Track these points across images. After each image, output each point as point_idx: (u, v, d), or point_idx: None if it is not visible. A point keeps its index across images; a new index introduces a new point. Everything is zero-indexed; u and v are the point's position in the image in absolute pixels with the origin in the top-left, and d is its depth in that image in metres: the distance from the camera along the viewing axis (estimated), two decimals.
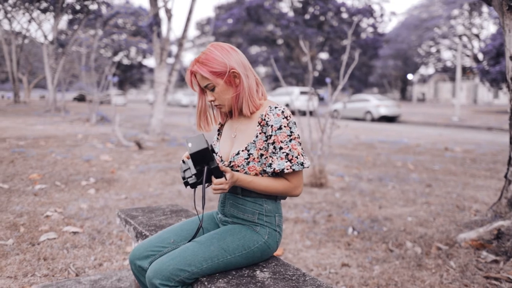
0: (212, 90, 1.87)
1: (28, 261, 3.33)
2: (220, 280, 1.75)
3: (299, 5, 42.05)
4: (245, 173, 1.87)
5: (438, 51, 52.54)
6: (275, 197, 1.93)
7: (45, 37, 24.61)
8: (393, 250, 3.75)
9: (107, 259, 3.45)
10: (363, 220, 4.56)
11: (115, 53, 48.68)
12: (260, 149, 1.84)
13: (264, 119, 1.82)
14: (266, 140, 1.83)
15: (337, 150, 10.13)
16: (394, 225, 4.42)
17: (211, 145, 1.77)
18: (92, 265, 3.32)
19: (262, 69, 52.25)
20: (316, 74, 42.38)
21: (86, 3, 25.10)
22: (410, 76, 53.51)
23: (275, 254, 3.56)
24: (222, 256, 1.80)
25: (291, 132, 1.80)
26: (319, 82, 41.36)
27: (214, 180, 1.73)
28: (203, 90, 1.94)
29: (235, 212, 1.94)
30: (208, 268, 1.77)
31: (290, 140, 1.80)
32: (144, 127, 14.66)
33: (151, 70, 49.30)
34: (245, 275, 1.80)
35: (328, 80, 6.57)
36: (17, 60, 33.92)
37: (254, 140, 1.85)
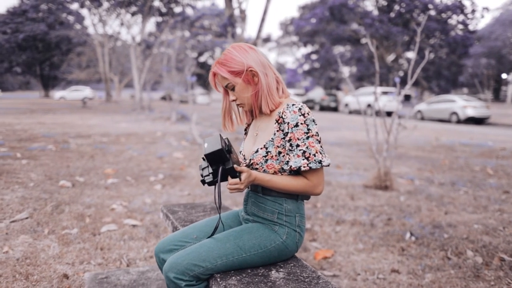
0: (233, 89, 1.90)
1: (87, 249, 3.53)
2: (233, 277, 1.75)
3: (384, 3, 40.88)
4: (264, 171, 1.87)
5: None
6: (296, 196, 1.90)
7: (133, 39, 25.91)
8: (450, 258, 3.55)
9: None
10: (424, 226, 4.36)
11: (201, 54, 50.22)
12: (278, 146, 1.83)
13: (281, 117, 1.81)
14: (283, 138, 1.82)
15: (413, 152, 9.77)
16: (457, 232, 4.18)
17: (228, 145, 1.79)
18: (144, 257, 3.46)
19: (345, 69, 51.43)
20: (401, 73, 40.97)
21: (171, 6, 26.11)
22: (504, 76, 50.14)
23: (324, 255, 3.53)
24: (237, 253, 1.80)
25: (309, 129, 1.77)
26: (404, 82, 39.99)
27: (229, 180, 1.76)
28: (227, 91, 1.98)
29: (256, 211, 1.94)
30: (223, 265, 1.78)
31: (307, 138, 1.77)
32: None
33: None
34: (260, 274, 1.79)
35: (397, 79, 6.32)
36: (109, 62, 36.05)
37: (272, 138, 1.84)
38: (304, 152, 1.77)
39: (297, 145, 1.77)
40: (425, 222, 4.50)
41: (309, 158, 1.77)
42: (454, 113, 21.81)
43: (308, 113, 1.79)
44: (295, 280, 1.73)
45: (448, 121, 22.21)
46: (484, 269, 3.33)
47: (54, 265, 3.18)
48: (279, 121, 1.82)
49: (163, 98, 46.79)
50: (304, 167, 1.77)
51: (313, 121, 1.80)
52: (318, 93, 35.19)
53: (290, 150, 1.80)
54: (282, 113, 1.81)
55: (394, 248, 3.77)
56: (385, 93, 24.46)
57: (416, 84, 43.78)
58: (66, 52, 49.94)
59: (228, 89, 1.92)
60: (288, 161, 1.81)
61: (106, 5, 31.78)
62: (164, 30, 26.89)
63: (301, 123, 1.77)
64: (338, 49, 48.24)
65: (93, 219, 4.30)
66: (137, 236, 3.89)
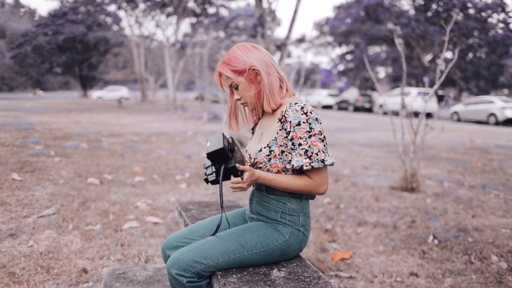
0: (237, 88, 1.91)
1: (107, 245, 3.61)
2: (234, 275, 1.76)
3: (421, 2, 40.09)
4: (267, 170, 1.87)
5: None
6: (301, 196, 1.89)
7: (167, 39, 26.28)
8: (473, 263, 3.46)
9: None
10: (449, 229, 4.26)
11: None
12: (281, 145, 1.82)
13: (284, 116, 1.81)
14: (286, 137, 1.81)
15: (444, 154, 9.55)
16: (482, 236, 4.06)
17: (231, 144, 1.79)
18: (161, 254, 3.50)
19: (380, 69, 50.70)
20: (439, 74, 40.11)
21: (205, 6, 26.36)
22: None
23: (342, 256, 3.50)
24: (239, 252, 1.81)
25: (311, 128, 1.76)
26: (440, 82, 39.11)
27: (232, 179, 1.77)
28: (232, 90, 1.99)
29: (260, 210, 1.94)
30: (224, 262, 1.79)
31: (310, 137, 1.76)
32: None
33: None
34: (261, 272, 1.79)
35: (426, 79, 6.19)
36: (145, 62, 36.65)
37: (275, 137, 1.84)
38: (306, 151, 1.76)
39: (299, 144, 1.77)
40: (450, 225, 4.39)
41: (312, 157, 1.76)
42: (492, 114, 21.20)
43: (310, 112, 1.78)
44: (295, 279, 1.72)
45: (485, 122, 21.62)
46: (508, 274, 3.23)
47: (75, 260, 3.26)
48: (281, 120, 1.82)
49: (198, 98, 47.31)
50: (306, 166, 1.76)
51: (316, 119, 1.79)
52: (352, 94, 34.79)
53: (293, 149, 1.79)
54: (285, 112, 1.81)
55: (415, 251, 3.70)
56: (420, 93, 23.98)
57: (453, 84, 42.78)
58: (104, 53, 51.11)
59: (232, 88, 1.93)
60: (290, 160, 1.80)
61: (142, 6, 32.36)
62: (198, 30, 27.19)
63: (303, 122, 1.76)
64: (374, 49, 47.60)
65: (116, 216, 4.39)
66: (158, 234, 3.95)
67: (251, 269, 1.83)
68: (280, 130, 1.82)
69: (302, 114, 1.77)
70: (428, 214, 4.77)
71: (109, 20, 48.41)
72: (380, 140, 12.47)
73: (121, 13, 44.35)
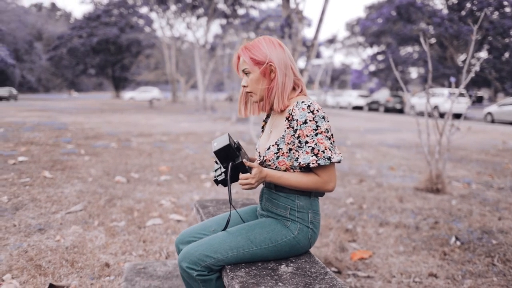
0: (248, 76, 1.95)
1: (130, 241, 3.70)
2: (242, 269, 1.80)
3: (455, 1, 39.28)
4: (276, 167, 1.90)
5: None
6: (309, 193, 1.92)
7: (197, 41, 26.55)
8: (496, 265, 3.40)
9: None
10: (473, 231, 4.20)
11: None
12: (289, 143, 1.85)
13: (291, 114, 1.84)
14: (293, 135, 1.84)
15: (475, 155, 9.37)
16: (507, 238, 3.99)
17: (237, 144, 1.84)
18: None
19: (412, 70, 49.91)
20: (473, 74, 39.21)
21: (235, 8, 26.53)
22: None
23: (361, 256, 3.50)
24: (248, 247, 1.85)
25: (317, 126, 1.79)
26: (475, 83, 38.30)
27: (241, 175, 1.81)
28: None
29: (270, 207, 1.98)
30: (234, 257, 1.84)
31: (316, 134, 1.78)
32: None
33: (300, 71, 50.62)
34: (269, 267, 1.83)
35: (452, 79, 6.09)
36: (176, 63, 37.10)
37: (283, 135, 1.87)
38: (313, 148, 1.78)
39: (306, 142, 1.79)
40: (474, 227, 4.33)
41: (318, 155, 1.78)
42: None
43: (317, 110, 1.80)
44: (302, 275, 1.75)
45: None
46: None
47: (98, 255, 3.37)
48: (289, 118, 1.85)
49: (227, 99, 47.60)
50: (312, 163, 1.78)
51: (323, 118, 1.81)
52: (383, 95, 34.42)
53: (299, 147, 1.82)
54: (292, 110, 1.83)
55: (436, 252, 3.66)
56: (453, 94, 23.53)
57: (488, 85, 41.75)
58: (136, 54, 52.07)
59: (244, 73, 1.97)
60: (297, 158, 1.83)
61: (173, 8, 32.83)
62: (228, 32, 27.39)
63: (310, 120, 1.79)
64: (406, 50, 46.91)
65: (141, 213, 4.49)
66: (180, 231, 4.02)
67: (260, 264, 1.87)
68: (287, 128, 1.85)
69: (308, 112, 1.79)
70: (452, 216, 4.71)
71: (141, 22, 49.29)
72: (408, 141, 12.31)
73: (153, 15, 45.07)
